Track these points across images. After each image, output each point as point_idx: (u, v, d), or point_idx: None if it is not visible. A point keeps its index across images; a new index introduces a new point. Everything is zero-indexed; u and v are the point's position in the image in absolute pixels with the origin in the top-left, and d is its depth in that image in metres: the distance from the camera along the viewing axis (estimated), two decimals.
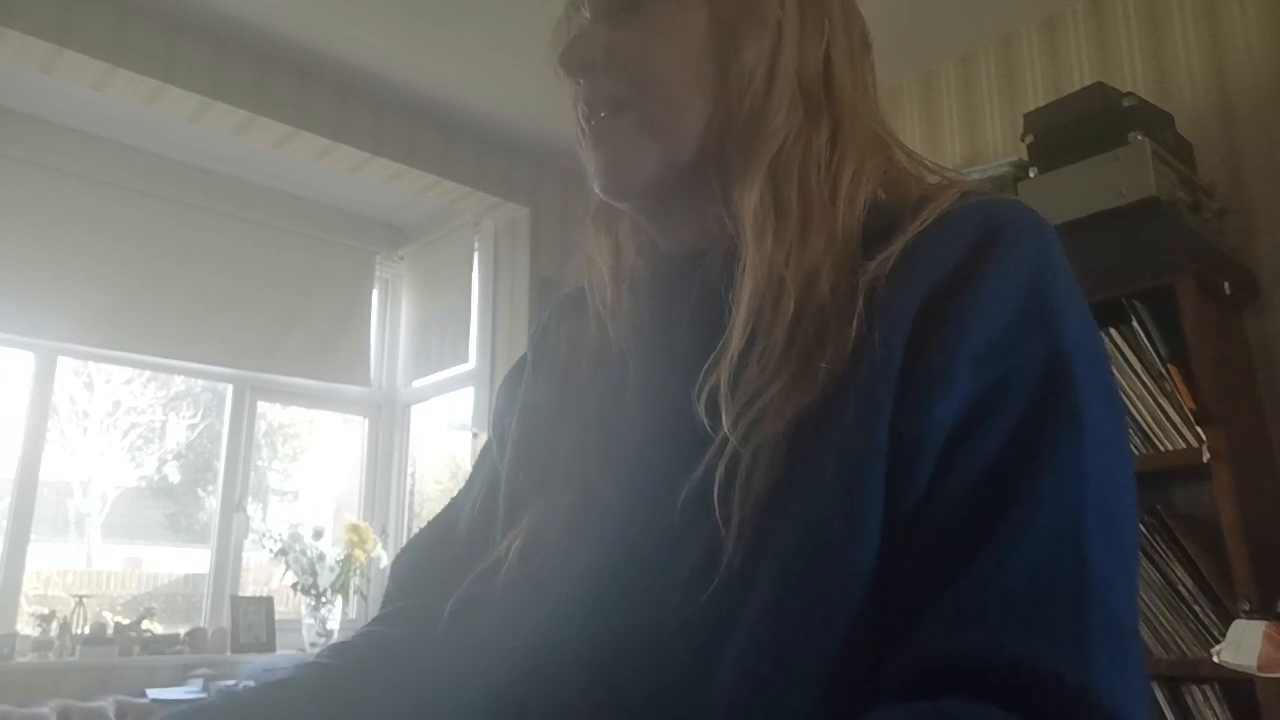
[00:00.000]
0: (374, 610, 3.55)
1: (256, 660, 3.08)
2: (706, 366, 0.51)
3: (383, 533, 3.61)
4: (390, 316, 4.02)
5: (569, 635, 0.51)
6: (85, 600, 3.01)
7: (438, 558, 0.71)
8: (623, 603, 0.50)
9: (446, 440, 4.07)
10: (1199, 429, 1.73)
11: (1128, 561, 0.44)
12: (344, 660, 0.65)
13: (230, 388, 3.53)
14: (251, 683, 0.59)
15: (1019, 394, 0.45)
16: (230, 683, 2.84)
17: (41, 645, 2.82)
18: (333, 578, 3.35)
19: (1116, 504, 0.44)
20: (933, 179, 0.58)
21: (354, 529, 3.42)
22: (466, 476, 0.77)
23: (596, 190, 0.61)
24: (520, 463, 0.64)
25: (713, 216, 0.57)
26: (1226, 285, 1.89)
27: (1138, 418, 1.81)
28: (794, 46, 0.57)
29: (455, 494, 0.76)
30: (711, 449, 0.49)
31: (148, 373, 3.68)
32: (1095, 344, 0.48)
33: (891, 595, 0.43)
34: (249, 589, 3.47)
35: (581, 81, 0.60)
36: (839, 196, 0.54)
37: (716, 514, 0.47)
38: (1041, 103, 2.31)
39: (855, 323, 0.48)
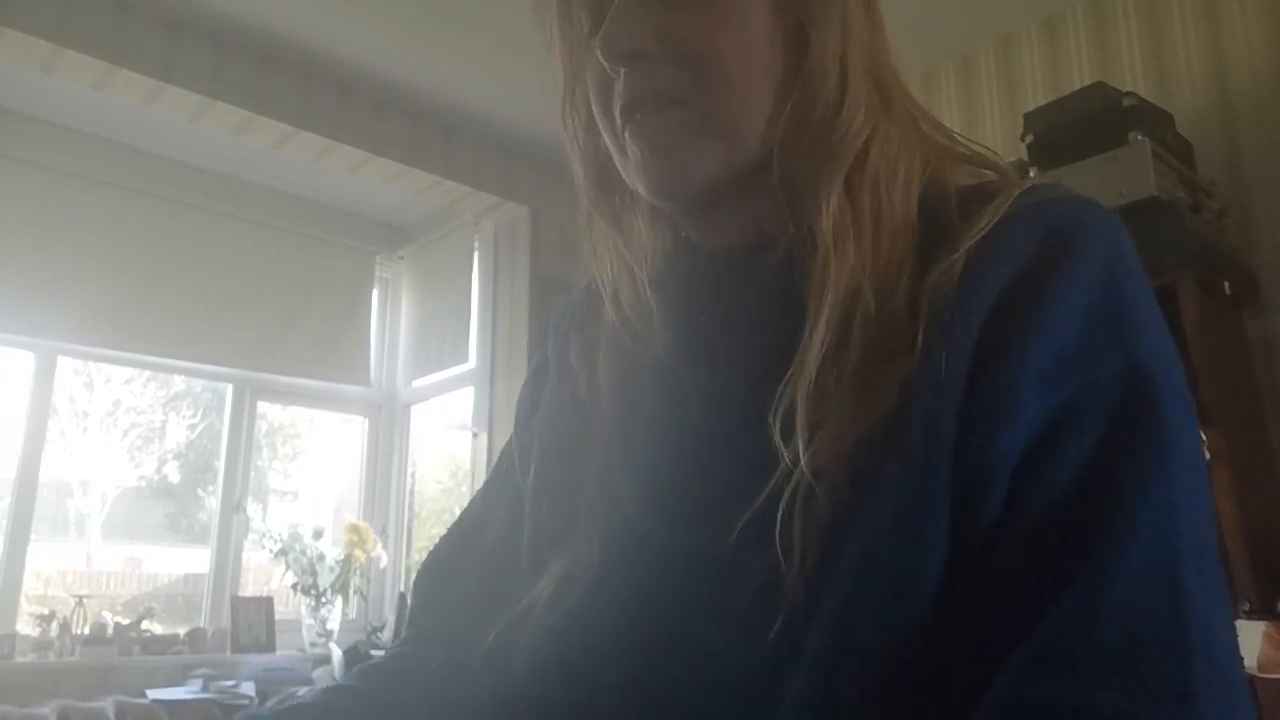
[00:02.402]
0: (373, 611, 3.55)
1: (256, 660, 3.08)
2: (783, 385, 0.46)
3: (383, 533, 3.61)
4: (390, 316, 4.02)
5: (606, 679, 0.49)
6: (85, 600, 3.01)
7: (463, 575, 0.68)
8: (665, 642, 0.47)
9: (446, 440, 4.07)
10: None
11: (1221, 595, 0.40)
12: (371, 687, 0.62)
13: (230, 388, 3.54)
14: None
15: (1096, 412, 0.41)
16: (230, 683, 2.84)
17: (41, 645, 2.82)
18: (333, 578, 3.35)
19: (1205, 531, 0.41)
20: (966, 153, 0.54)
21: (354, 529, 3.42)
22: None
23: (640, 190, 0.55)
24: (544, 489, 0.60)
25: (770, 217, 0.52)
26: (1226, 285, 1.89)
27: None
28: (859, 33, 0.51)
29: (474, 499, 0.72)
30: (778, 474, 0.45)
31: (148, 373, 3.68)
32: (1171, 351, 0.45)
33: (964, 636, 0.40)
34: (249, 589, 3.47)
35: (623, 71, 0.52)
36: (897, 192, 0.50)
37: (777, 545, 0.43)
38: (1041, 103, 2.31)
39: (920, 340, 0.44)
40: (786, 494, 0.44)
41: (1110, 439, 0.41)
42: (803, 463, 0.44)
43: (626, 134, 0.54)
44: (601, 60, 0.53)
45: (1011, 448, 0.41)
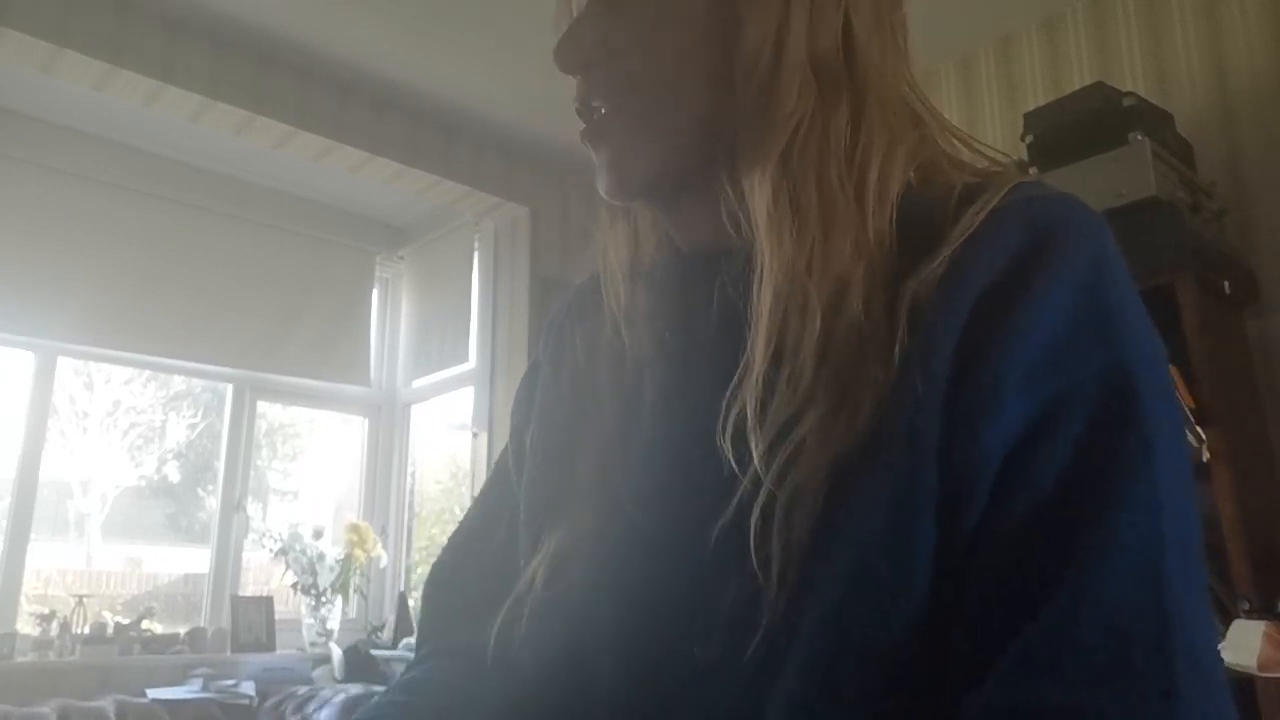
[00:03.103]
0: (374, 611, 3.55)
1: (256, 660, 3.08)
2: (729, 392, 0.46)
3: (383, 533, 3.61)
4: (390, 316, 4.02)
5: (601, 668, 0.49)
6: (85, 600, 3.01)
7: (470, 582, 0.67)
8: (657, 635, 0.47)
9: (446, 440, 4.07)
10: (1199, 429, 1.73)
11: (1204, 595, 0.41)
12: (419, 700, 0.62)
13: (230, 388, 3.54)
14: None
15: (1078, 413, 0.41)
16: (230, 683, 2.84)
17: (41, 645, 2.82)
18: (333, 577, 3.35)
19: (1189, 532, 0.41)
20: (975, 160, 0.53)
21: (354, 529, 3.42)
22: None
23: (600, 192, 0.57)
24: (538, 481, 0.61)
25: (727, 215, 0.51)
26: (1226, 285, 1.90)
27: None
28: (804, 17, 0.50)
29: (475, 505, 0.72)
30: (743, 486, 0.44)
31: (148, 373, 3.68)
32: (1156, 351, 0.44)
33: (951, 639, 0.41)
34: (249, 589, 3.47)
35: (578, 77, 0.55)
36: (866, 190, 0.48)
37: (754, 559, 0.43)
38: (1041, 103, 2.31)
39: (898, 348, 0.43)
40: (758, 506, 0.44)
41: (1094, 440, 0.41)
42: (765, 474, 0.44)
43: (582, 138, 0.56)
44: (559, 70, 0.55)
45: (995, 448, 0.41)
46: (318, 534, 3.42)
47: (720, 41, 0.51)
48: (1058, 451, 0.41)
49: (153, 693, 2.73)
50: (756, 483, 0.44)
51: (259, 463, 3.75)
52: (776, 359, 0.45)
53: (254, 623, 3.21)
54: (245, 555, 3.46)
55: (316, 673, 3.11)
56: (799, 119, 0.49)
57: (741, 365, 0.46)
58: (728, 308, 0.51)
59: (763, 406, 0.45)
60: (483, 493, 0.72)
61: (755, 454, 0.44)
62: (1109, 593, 0.38)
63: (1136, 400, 0.41)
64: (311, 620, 3.30)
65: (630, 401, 0.56)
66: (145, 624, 3.04)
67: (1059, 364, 0.42)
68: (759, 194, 0.48)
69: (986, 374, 0.42)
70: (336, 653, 3.11)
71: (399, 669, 3.01)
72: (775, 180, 0.48)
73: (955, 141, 0.53)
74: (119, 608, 3.30)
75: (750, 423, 0.45)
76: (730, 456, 0.45)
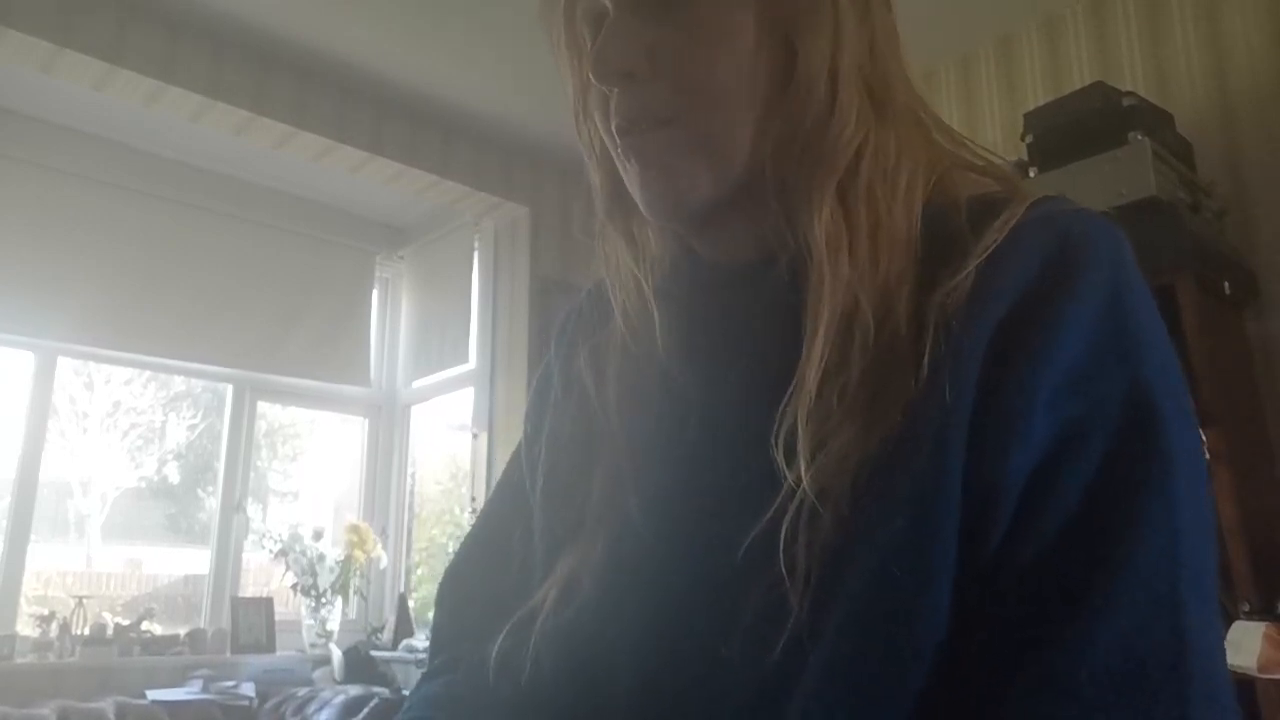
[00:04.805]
0: (373, 612, 3.55)
1: (256, 661, 3.08)
2: (784, 403, 0.46)
3: (383, 533, 3.60)
4: (390, 316, 4.02)
5: (616, 685, 0.49)
6: (85, 601, 3.01)
7: (486, 588, 0.67)
8: (672, 652, 0.47)
9: (446, 440, 4.07)
10: (1199, 429, 1.72)
11: (1216, 614, 0.41)
12: (450, 715, 0.62)
13: (230, 388, 3.53)
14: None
15: (1101, 433, 0.42)
16: (230, 684, 2.84)
17: (41, 646, 2.82)
18: (333, 578, 3.35)
19: (1206, 555, 0.41)
20: (976, 161, 0.54)
21: (354, 529, 3.42)
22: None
23: (640, 208, 0.55)
24: (552, 498, 0.60)
25: (771, 231, 0.52)
26: (1226, 285, 1.90)
27: None
28: (853, 40, 0.51)
29: (488, 508, 0.72)
30: (783, 492, 0.45)
31: (148, 373, 3.68)
32: (1174, 368, 0.45)
33: (971, 655, 0.41)
34: (249, 589, 3.47)
35: (616, 90, 0.53)
36: (897, 202, 0.50)
37: (781, 562, 0.43)
38: (1041, 103, 2.31)
39: (926, 358, 0.44)
40: (791, 512, 0.44)
41: (1114, 460, 0.41)
42: (806, 482, 0.44)
43: (622, 152, 0.54)
44: (593, 80, 0.53)
45: (1023, 465, 0.42)
46: (318, 535, 3.42)
47: (773, 62, 0.51)
48: (1083, 470, 0.41)
49: (153, 694, 2.72)
50: (795, 488, 0.45)
51: (259, 463, 3.75)
52: (828, 372, 0.46)
53: (254, 624, 3.21)
54: (245, 556, 3.46)
55: (316, 674, 3.11)
56: (858, 143, 0.50)
57: (796, 379, 0.47)
58: (770, 321, 0.52)
59: (812, 417, 0.45)
60: (494, 496, 0.72)
61: (802, 461, 0.45)
62: (1128, 616, 0.39)
63: (1157, 423, 0.42)
64: (311, 621, 3.30)
65: (644, 416, 0.56)
66: (145, 625, 3.04)
67: (1082, 385, 0.43)
68: (816, 214, 0.49)
69: (1015, 396, 0.43)
70: (336, 654, 3.11)
71: (399, 670, 3.02)
72: (834, 203, 0.49)
73: (956, 144, 0.54)
74: (119, 609, 3.30)
75: (800, 432, 0.45)
76: (783, 465, 0.45)
